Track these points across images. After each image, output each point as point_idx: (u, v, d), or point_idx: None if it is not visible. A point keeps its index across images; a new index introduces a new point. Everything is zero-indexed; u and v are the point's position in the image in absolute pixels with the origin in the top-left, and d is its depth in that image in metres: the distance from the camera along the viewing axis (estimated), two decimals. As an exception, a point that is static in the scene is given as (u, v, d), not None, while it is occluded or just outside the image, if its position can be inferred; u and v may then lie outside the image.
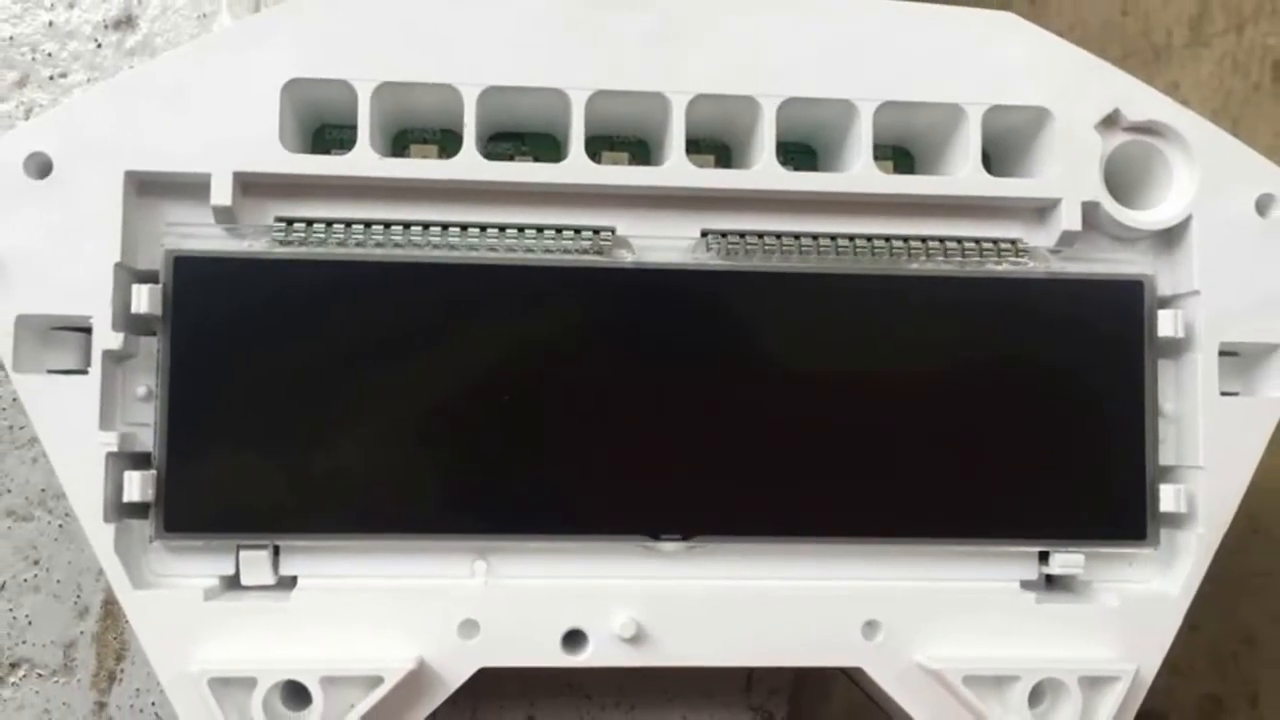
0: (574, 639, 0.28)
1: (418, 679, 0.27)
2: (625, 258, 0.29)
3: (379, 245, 0.28)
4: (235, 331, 0.27)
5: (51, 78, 0.34)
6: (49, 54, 0.34)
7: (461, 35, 0.28)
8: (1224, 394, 0.29)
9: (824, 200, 0.29)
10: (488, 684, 0.28)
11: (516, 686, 0.35)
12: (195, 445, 0.27)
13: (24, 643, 0.33)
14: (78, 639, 0.34)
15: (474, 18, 0.28)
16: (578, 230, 0.28)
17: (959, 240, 0.29)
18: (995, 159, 0.31)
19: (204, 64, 0.27)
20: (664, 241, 0.29)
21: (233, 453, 0.27)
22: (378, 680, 0.26)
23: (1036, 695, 0.28)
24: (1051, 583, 0.30)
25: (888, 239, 0.29)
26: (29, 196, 0.27)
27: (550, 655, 0.28)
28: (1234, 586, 0.40)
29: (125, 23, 0.35)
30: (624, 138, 0.31)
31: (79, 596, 0.33)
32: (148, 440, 0.28)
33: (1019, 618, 0.29)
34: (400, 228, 0.28)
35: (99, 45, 0.35)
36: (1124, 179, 0.30)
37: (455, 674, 0.28)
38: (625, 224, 0.29)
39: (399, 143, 0.31)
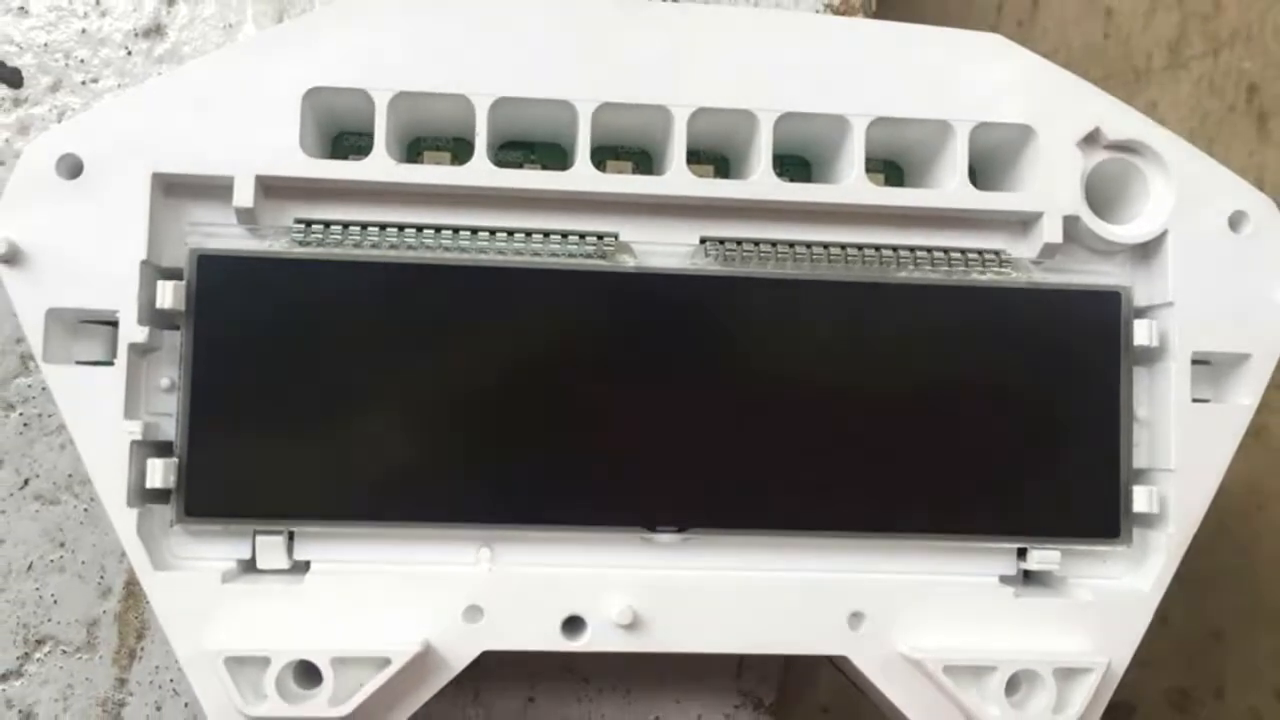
0: (573, 625, 0.29)
1: (424, 661, 0.28)
2: (627, 262, 0.29)
3: (393, 247, 0.28)
4: (255, 327, 0.28)
5: (83, 83, 0.34)
6: (81, 60, 0.34)
7: (474, 48, 0.28)
8: (1195, 400, 0.30)
9: (817, 210, 0.30)
10: (490, 666, 0.28)
11: (518, 669, 0.35)
12: (215, 435, 0.28)
13: (49, 620, 0.34)
14: (100, 618, 0.34)
15: (486, 32, 0.28)
16: (582, 235, 0.29)
17: (945, 250, 0.30)
18: (981, 173, 0.31)
19: (229, 72, 0.28)
20: (665, 247, 0.29)
21: (251, 442, 0.28)
22: (386, 661, 0.27)
23: (1013, 685, 0.28)
24: (1029, 578, 0.31)
25: (877, 248, 0.29)
26: (60, 196, 0.27)
27: (550, 640, 0.28)
28: (1202, 584, 0.40)
29: (155, 31, 0.35)
30: (628, 148, 0.31)
31: (102, 577, 0.34)
32: (170, 429, 0.28)
33: (997, 611, 0.29)
34: (413, 230, 0.28)
35: (129, 52, 0.35)
36: (1103, 194, 0.30)
37: (460, 656, 0.28)
38: (628, 230, 0.29)
39: (413, 150, 0.31)
